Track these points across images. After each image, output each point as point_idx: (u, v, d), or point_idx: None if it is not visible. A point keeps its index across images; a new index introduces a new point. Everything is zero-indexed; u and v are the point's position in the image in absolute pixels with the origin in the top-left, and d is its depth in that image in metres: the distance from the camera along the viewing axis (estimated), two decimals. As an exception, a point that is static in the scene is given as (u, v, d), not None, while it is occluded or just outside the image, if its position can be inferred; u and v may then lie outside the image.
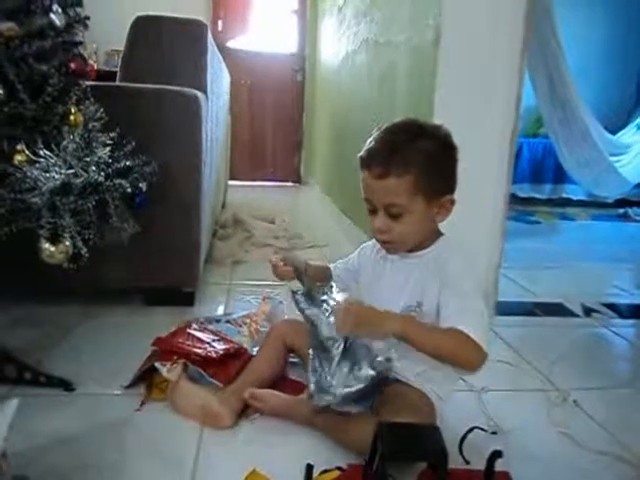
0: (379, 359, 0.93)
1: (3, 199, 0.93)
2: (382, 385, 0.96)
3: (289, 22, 4.94)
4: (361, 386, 0.92)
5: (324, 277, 1.16)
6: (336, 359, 0.95)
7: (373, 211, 0.98)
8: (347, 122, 3.15)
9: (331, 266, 1.20)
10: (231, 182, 3.64)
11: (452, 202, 0.98)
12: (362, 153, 0.99)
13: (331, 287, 1.03)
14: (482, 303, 0.95)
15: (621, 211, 4.28)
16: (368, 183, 0.97)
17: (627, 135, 4.26)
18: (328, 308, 0.98)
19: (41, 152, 0.95)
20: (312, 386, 0.95)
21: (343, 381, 0.93)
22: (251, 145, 4.97)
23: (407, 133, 0.96)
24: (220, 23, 4.71)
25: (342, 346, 0.95)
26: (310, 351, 1.00)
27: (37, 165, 0.94)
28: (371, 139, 0.99)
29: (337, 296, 1.00)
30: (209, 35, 1.76)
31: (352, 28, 3.05)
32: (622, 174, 3.77)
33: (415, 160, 0.92)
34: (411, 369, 0.99)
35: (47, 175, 0.93)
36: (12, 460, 0.74)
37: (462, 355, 0.88)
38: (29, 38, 0.92)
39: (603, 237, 3.54)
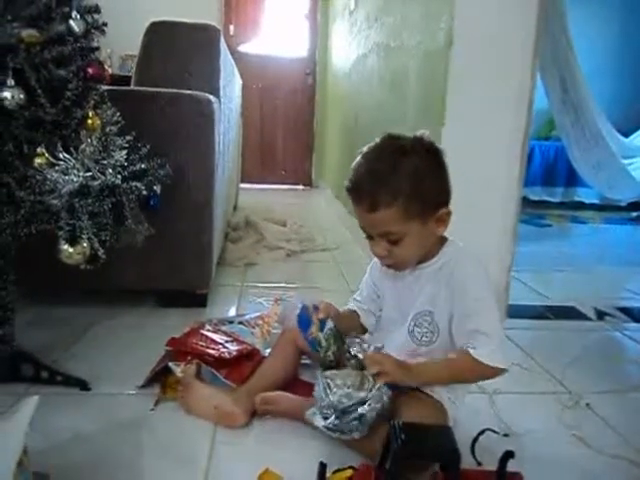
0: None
1: (23, 201, 0.95)
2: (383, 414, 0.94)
3: (300, 26, 4.97)
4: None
5: (353, 323, 1.12)
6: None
7: (371, 237, 0.97)
8: (358, 125, 3.15)
9: (355, 307, 1.15)
10: (242, 185, 3.67)
11: (448, 213, 0.96)
12: (347, 183, 0.96)
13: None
14: (494, 312, 0.95)
15: (634, 214, 4.25)
16: (359, 215, 0.96)
17: (640, 138, 4.23)
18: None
19: (60, 155, 0.97)
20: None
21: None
22: (262, 148, 4.99)
23: (388, 157, 0.92)
24: (232, 27, 4.74)
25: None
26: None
27: (56, 168, 0.96)
28: (353, 166, 0.96)
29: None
30: (222, 40, 1.79)
31: (363, 32, 3.06)
32: (635, 177, 3.74)
33: (401, 186, 0.90)
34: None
35: (66, 178, 0.95)
36: (31, 457, 0.75)
37: (474, 379, 1.01)
38: (49, 44, 0.95)
39: (616, 240, 3.51)
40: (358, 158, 0.97)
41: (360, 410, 0.90)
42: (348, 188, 0.96)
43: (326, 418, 0.92)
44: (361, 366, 0.97)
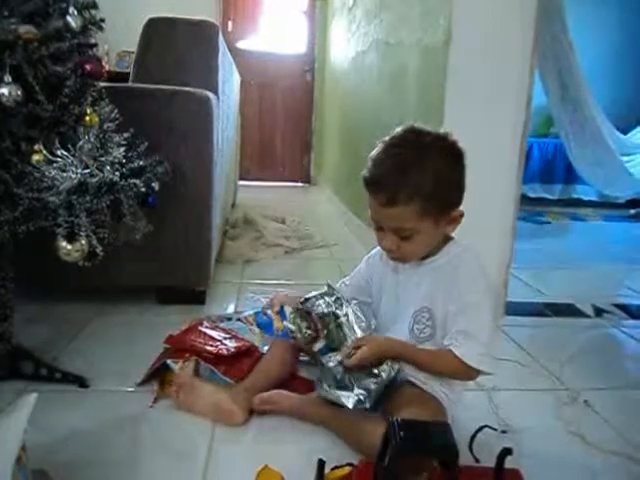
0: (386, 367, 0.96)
1: (21, 198, 0.95)
2: (390, 387, 0.98)
3: (299, 23, 4.96)
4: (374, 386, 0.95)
5: None
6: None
7: (381, 229, 0.97)
8: (357, 122, 3.15)
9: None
10: (241, 182, 3.66)
11: (462, 215, 0.96)
12: (366, 174, 0.94)
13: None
14: (488, 316, 0.96)
15: (632, 212, 4.25)
16: (374, 208, 0.94)
17: (639, 135, 4.22)
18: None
19: (58, 152, 0.97)
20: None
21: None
22: (261, 145, 4.99)
23: (411, 154, 0.91)
24: (230, 24, 4.73)
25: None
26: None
27: (54, 165, 0.95)
28: (374, 157, 0.94)
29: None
30: (220, 36, 1.78)
31: (362, 29, 3.06)
32: (633, 174, 3.74)
33: (422, 185, 0.88)
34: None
35: (64, 175, 0.95)
36: (30, 453, 0.75)
37: (451, 375, 0.98)
38: (46, 40, 0.94)
39: (614, 238, 3.52)
40: (379, 149, 0.95)
41: (370, 382, 0.95)
42: (367, 180, 0.94)
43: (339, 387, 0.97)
44: (336, 319, 1.03)
